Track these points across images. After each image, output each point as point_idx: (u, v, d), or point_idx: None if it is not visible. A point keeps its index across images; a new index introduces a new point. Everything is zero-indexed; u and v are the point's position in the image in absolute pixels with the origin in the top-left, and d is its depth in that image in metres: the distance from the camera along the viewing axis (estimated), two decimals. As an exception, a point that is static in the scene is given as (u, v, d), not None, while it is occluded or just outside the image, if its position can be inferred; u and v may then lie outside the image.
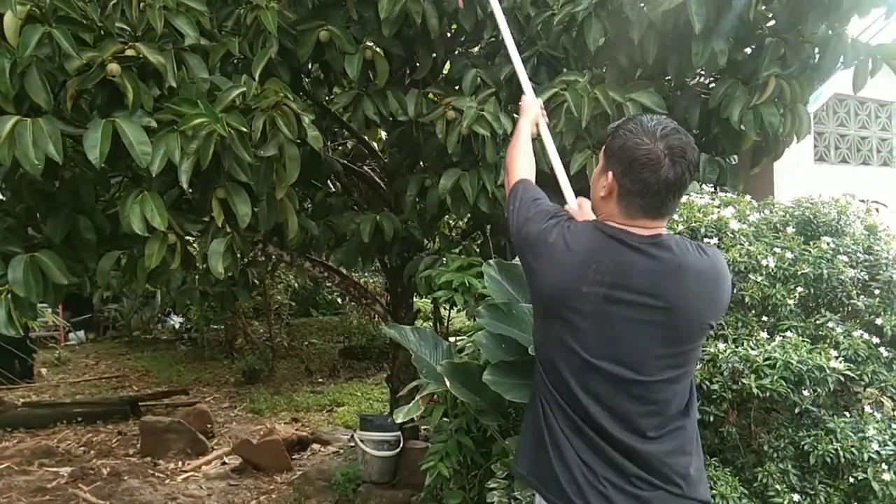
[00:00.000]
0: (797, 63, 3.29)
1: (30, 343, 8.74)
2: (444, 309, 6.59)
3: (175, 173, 2.81)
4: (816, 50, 3.43)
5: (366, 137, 5.10)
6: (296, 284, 9.80)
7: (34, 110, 2.65)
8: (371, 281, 9.84)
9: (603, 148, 1.68)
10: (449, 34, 4.00)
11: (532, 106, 2.27)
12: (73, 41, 2.56)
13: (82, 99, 2.92)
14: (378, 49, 3.52)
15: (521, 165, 2.02)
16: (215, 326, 9.96)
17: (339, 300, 11.58)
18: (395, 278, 4.94)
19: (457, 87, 3.88)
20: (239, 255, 3.21)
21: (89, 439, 6.27)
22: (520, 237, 1.78)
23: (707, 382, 2.24)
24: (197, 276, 4.47)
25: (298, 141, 3.02)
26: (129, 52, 2.76)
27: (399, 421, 2.66)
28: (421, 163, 4.46)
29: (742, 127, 3.31)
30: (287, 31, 3.48)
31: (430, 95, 3.85)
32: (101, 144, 2.67)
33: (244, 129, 2.81)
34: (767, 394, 2.17)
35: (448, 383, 2.81)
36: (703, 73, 3.69)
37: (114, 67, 2.71)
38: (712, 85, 3.66)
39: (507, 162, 2.09)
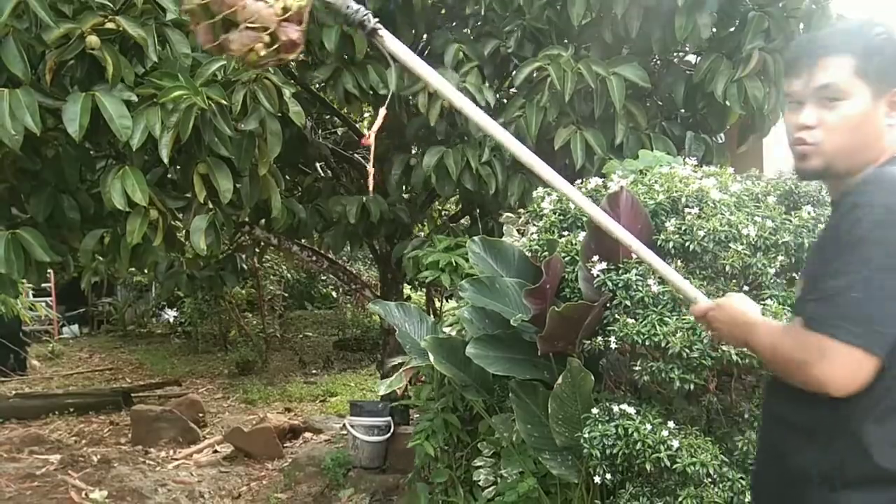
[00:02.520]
0: (781, 37, 3.27)
1: (23, 336, 8.74)
2: (438, 301, 6.58)
3: (157, 151, 2.79)
4: (801, 25, 3.42)
5: (356, 124, 5.09)
6: (289, 276, 9.79)
7: (12, 82, 2.64)
8: (367, 274, 9.83)
9: (853, 72, 1.29)
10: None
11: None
12: (49, 10, 2.54)
13: (62, 73, 2.90)
14: None
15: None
16: (210, 319, 9.95)
17: (334, 293, 11.57)
18: (385, 264, 4.93)
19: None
20: (223, 232, 3.19)
21: (81, 429, 6.26)
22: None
23: (687, 350, 2.23)
24: (184, 260, 4.47)
25: (279, 115, 3.00)
26: (109, 25, 2.74)
27: (382, 393, 2.64)
28: (409, 144, 4.43)
29: (726, 101, 3.30)
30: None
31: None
32: (80, 118, 2.66)
33: (224, 102, 2.79)
34: (746, 360, 2.17)
35: (432, 358, 2.79)
36: (687, 49, 3.67)
37: (93, 40, 2.69)
38: (697, 61, 3.64)
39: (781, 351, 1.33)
